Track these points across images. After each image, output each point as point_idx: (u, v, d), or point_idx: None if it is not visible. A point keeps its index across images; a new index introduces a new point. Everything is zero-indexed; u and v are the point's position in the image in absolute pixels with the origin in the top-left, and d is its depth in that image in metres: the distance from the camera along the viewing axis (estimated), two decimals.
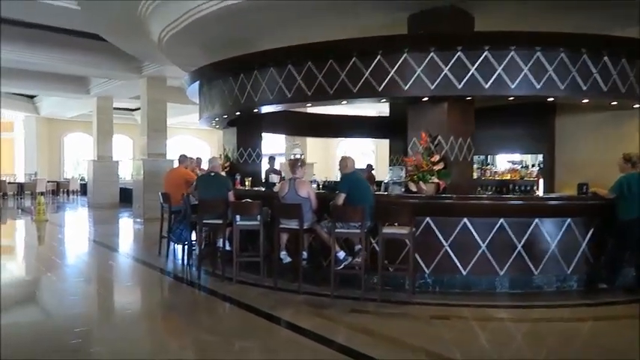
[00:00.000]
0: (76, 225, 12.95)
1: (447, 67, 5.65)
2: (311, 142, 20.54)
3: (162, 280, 6.64)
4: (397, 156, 12.16)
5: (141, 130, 13.42)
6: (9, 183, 18.97)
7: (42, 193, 19.46)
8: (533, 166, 8.84)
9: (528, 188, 8.33)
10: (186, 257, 6.91)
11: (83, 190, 21.99)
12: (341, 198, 5.26)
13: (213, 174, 6.27)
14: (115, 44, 10.16)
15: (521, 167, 8.91)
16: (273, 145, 18.75)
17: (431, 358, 3.84)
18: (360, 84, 6.03)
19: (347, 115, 12.80)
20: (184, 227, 6.68)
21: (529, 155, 8.98)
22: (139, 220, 12.73)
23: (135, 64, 12.46)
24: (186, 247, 6.91)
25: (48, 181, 20.27)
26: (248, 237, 6.31)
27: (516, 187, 8.52)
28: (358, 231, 5.17)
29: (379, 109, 16.17)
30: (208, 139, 27.81)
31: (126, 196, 17.59)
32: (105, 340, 4.31)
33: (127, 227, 12.46)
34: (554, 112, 8.08)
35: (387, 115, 12.57)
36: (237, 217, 5.84)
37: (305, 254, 5.78)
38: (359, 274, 5.29)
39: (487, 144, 8.74)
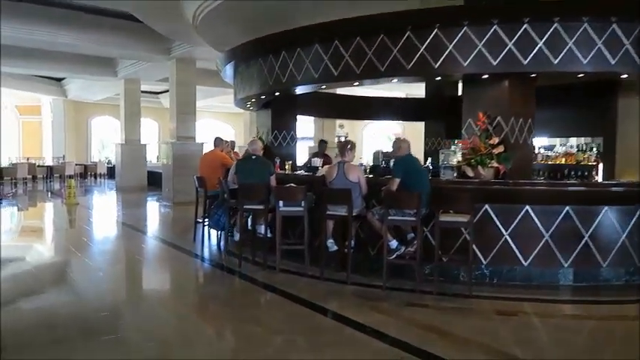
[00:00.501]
0: (106, 208, 12.88)
1: (512, 42, 5.17)
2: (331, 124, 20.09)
3: (200, 267, 6.42)
4: (435, 139, 11.72)
5: (170, 113, 13.19)
6: (38, 166, 19.06)
7: (70, 176, 19.62)
8: (591, 149, 8.24)
9: (586, 174, 7.79)
10: (223, 244, 6.64)
11: (110, 173, 22.08)
12: (395, 183, 4.88)
13: (254, 157, 5.95)
14: (146, 23, 9.87)
15: (578, 151, 8.34)
16: (301, 128, 18.36)
17: (500, 357, 3.49)
18: (414, 60, 5.58)
19: (380, 97, 12.33)
20: (222, 213, 6.40)
21: (582, 139, 8.41)
22: (168, 204, 12.57)
23: (164, 45, 12.18)
24: (223, 233, 6.65)
25: (76, 164, 20.35)
26: (290, 223, 6.00)
27: (572, 173, 7.98)
28: (413, 219, 4.80)
29: (408, 90, 15.63)
30: (233, 123, 27.61)
31: (153, 180, 17.53)
32: (142, 326, 4.09)
33: (156, 211, 12.32)
34: (617, 92, 7.50)
35: (415, 97, 12.15)
36: (281, 203, 5.53)
37: (352, 242, 5.46)
38: (412, 265, 4.94)
39: (541, 126, 8.21)
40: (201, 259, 6.62)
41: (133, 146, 16.55)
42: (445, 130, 11.41)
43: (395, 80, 6.41)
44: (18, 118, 24.66)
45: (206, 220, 7.23)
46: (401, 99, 12.68)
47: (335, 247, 5.42)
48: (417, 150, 12.80)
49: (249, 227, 6.35)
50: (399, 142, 5.15)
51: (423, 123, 12.19)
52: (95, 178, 21.47)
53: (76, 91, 20.44)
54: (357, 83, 7.31)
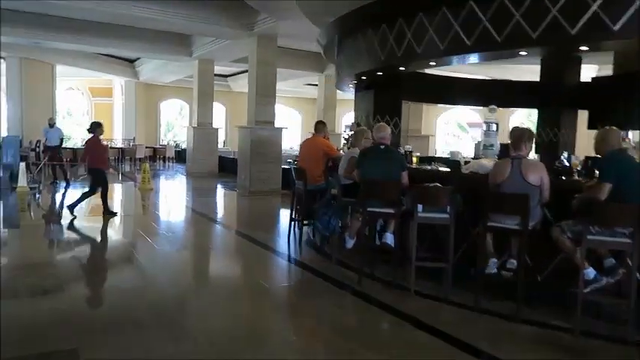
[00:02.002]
0: (181, 196, 12.13)
1: None
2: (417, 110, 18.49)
3: (305, 277, 5.27)
4: (551, 129, 10.05)
5: (248, 95, 12.22)
6: (110, 148, 18.83)
7: (141, 159, 19.31)
8: None
9: None
10: (332, 250, 5.49)
11: (178, 157, 21.71)
12: (605, 190, 3.49)
13: (383, 147, 4.71)
14: None
15: None
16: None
17: None
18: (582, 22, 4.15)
19: (491, 80, 10.73)
20: (334, 214, 5.24)
21: None
22: (244, 193, 11.64)
23: (247, 20, 11.15)
24: (328, 237, 5.50)
25: (145, 147, 20.04)
26: (422, 232, 4.76)
27: None
28: (627, 240, 3.42)
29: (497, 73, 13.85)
30: (302, 108, 26.62)
31: (224, 166, 16.81)
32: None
33: (235, 202, 11.33)
34: None
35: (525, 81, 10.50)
36: (420, 207, 4.29)
37: (514, 263, 4.15)
38: (617, 304, 3.58)
39: None
40: (302, 266, 5.51)
41: (205, 130, 15.83)
42: (566, 119, 9.78)
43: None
44: (90, 100, 24.85)
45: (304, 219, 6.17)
46: (513, 82, 11.02)
47: (495, 269, 4.12)
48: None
49: (367, 233, 5.17)
50: (607, 134, 3.71)
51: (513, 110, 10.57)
52: (164, 161, 21.12)
53: (148, 73, 20.04)
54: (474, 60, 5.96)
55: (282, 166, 12.27)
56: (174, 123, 26.26)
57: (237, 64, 17.12)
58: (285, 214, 9.49)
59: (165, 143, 23.23)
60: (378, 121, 7.86)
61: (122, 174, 15.87)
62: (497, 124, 5.11)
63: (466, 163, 5.04)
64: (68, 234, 6.92)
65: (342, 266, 5.25)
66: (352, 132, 8.06)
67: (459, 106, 20.45)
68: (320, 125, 6.86)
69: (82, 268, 5.33)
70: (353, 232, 5.16)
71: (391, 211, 4.54)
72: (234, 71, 21.26)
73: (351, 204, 5.05)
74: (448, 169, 5.08)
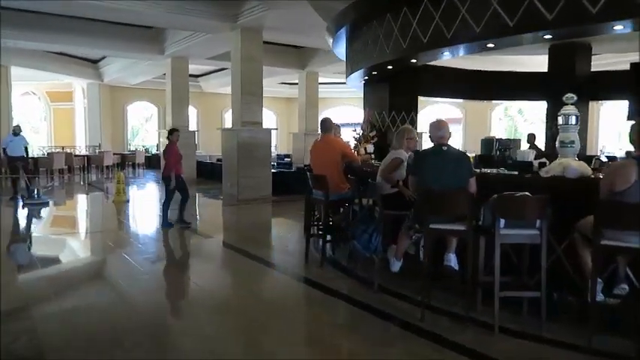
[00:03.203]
0: (158, 205, 10.88)
1: None
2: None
3: (343, 310, 4.30)
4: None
5: (232, 94, 11.14)
6: (75, 156, 17.32)
7: (108, 167, 17.88)
8: None
9: None
10: (375, 276, 4.52)
11: (149, 163, 20.32)
12: None
13: (445, 147, 3.80)
14: None
15: None
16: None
17: None
18: None
19: (508, 72, 9.97)
20: (375, 231, 4.31)
21: None
22: (232, 202, 10.55)
23: (229, 10, 10.08)
24: (374, 259, 4.55)
25: (113, 154, 18.59)
26: (490, 252, 3.90)
27: None
28: None
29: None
30: (274, 108, 25.51)
31: (201, 171, 15.65)
32: None
33: (226, 214, 9.98)
34: None
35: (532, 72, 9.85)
36: (502, 222, 3.42)
37: (625, 288, 3.33)
38: None
39: None
40: (335, 295, 4.51)
41: (181, 133, 14.54)
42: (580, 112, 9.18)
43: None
44: (49, 105, 23.07)
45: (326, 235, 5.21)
46: (516, 74, 10.38)
47: (601, 297, 3.28)
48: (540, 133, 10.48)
49: (413, 253, 4.27)
50: None
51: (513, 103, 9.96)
52: (134, 168, 19.67)
53: (113, 74, 18.54)
54: (548, 36, 5.15)
55: (272, 170, 11.30)
56: (140, 127, 24.74)
57: (212, 63, 15.97)
58: (287, 226, 8.52)
59: (134, 149, 21.75)
60: (395, 117, 6.99)
61: (89, 184, 14.47)
62: (577, 115, 4.30)
63: (541, 165, 4.21)
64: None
65: (386, 293, 4.35)
66: (362, 132, 7.18)
67: (442, 101, 19.92)
68: (327, 122, 5.83)
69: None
70: (400, 253, 4.26)
71: (461, 228, 3.64)
72: (207, 70, 20.02)
73: (402, 219, 4.12)
74: (517, 174, 4.21)
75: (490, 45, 5.83)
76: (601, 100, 9.98)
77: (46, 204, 10.31)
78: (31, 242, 6.95)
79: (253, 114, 10.84)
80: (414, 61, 6.19)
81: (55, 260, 5.97)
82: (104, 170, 17.89)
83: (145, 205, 11.14)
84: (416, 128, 7.29)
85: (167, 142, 7.71)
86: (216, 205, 11.17)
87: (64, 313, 3.98)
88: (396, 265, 4.31)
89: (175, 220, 7.64)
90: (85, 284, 5.00)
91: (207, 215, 9.93)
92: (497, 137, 9.87)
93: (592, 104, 9.55)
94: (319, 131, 6.35)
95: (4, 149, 10.70)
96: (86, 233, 8.03)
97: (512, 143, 9.79)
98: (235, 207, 10.19)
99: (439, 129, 3.87)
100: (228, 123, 25.13)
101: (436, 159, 3.79)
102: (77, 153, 18.53)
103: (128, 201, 10.61)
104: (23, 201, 10.17)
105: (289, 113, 22.98)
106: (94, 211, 10.23)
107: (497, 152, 9.80)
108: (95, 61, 18.47)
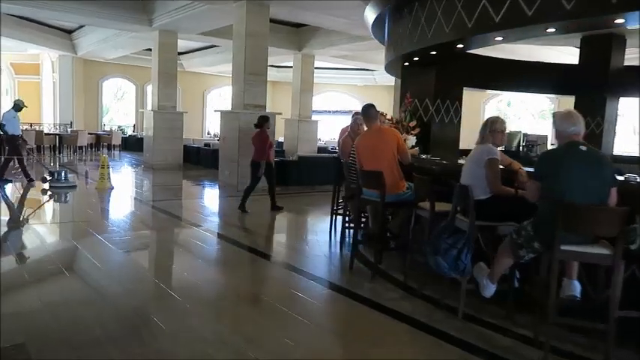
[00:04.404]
0: (153, 197, 9.75)
1: None
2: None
3: (419, 341, 3.46)
4: (593, 119, 8.87)
5: (233, 74, 10.08)
6: (46, 134, 15.78)
7: (82, 148, 16.49)
8: None
9: None
10: (461, 302, 3.67)
11: (125, 145, 18.96)
12: None
13: (584, 148, 2.97)
14: None
15: None
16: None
17: None
18: None
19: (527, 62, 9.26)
20: (465, 247, 3.47)
21: None
22: (232, 193, 9.54)
23: None
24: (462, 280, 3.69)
25: (88, 134, 17.13)
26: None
27: None
28: None
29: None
30: None
31: (188, 156, 14.53)
32: None
33: (232, 207, 8.38)
34: None
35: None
36: None
37: None
38: None
39: None
40: (408, 321, 3.65)
41: (168, 115, 13.38)
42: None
43: None
44: (12, 77, 21.21)
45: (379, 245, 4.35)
46: (549, 65, 9.70)
47: None
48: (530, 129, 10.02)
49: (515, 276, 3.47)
50: None
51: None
52: (109, 149, 18.23)
53: (90, 46, 16.98)
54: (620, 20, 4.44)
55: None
56: (109, 106, 22.99)
57: (202, 39, 14.77)
58: (309, 225, 7.59)
59: (109, 129, 20.26)
60: (439, 107, 6.16)
61: (62, 166, 13.07)
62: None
63: None
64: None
65: (478, 324, 3.54)
66: (399, 120, 6.33)
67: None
68: (372, 110, 4.93)
69: None
70: (498, 275, 3.45)
71: (604, 251, 2.85)
72: (190, 48, 18.67)
73: (495, 231, 3.31)
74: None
75: (550, 30, 5.15)
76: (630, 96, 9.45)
77: (74, 187, 9.29)
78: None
79: (257, 96, 9.83)
80: (460, 46, 5.40)
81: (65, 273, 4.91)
82: (77, 151, 16.46)
83: (130, 192, 9.98)
84: (460, 120, 6.50)
85: (256, 129, 7.59)
86: (214, 195, 10.12)
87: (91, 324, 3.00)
88: (490, 289, 3.50)
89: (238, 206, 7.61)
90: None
91: (214, 210, 8.80)
92: (523, 132, 9.22)
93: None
94: (351, 121, 5.55)
95: (3, 126, 9.36)
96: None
97: (539, 139, 9.17)
98: (235, 199, 9.15)
99: (573, 122, 3.06)
100: (211, 105, 23.84)
101: (575, 162, 2.95)
102: (47, 131, 16.93)
103: (112, 188, 9.46)
104: (50, 183, 9.20)
105: (277, 98, 21.82)
106: (80, 200, 8.96)
107: (524, 148, 9.16)
108: (69, 32, 16.88)
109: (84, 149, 16.75)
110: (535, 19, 4.74)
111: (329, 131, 21.61)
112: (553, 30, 5.16)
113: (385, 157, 4.61)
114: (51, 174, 9.37)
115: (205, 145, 15.58)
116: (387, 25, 6.24)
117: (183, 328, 3.34)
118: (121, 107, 23.40)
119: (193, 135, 19.73)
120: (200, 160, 14.53)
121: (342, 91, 24.25)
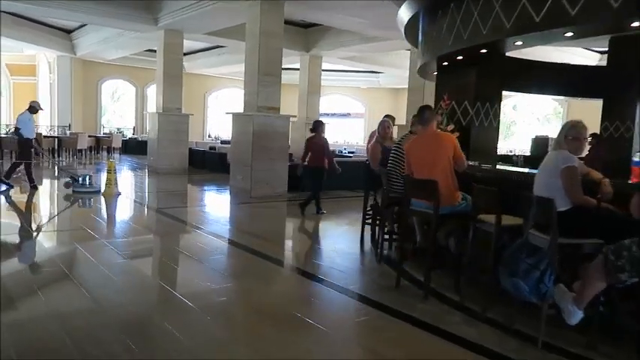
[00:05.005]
0: (162, 202, 9.28)
1: None
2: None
3: None
4: (622, 123, 8.55)
5: (246, 75, 9.67)
6: (45, 137, 15.25)
7: (81, 151, 16.00)
8: None
9: None
10: (540, 330, 3.24)
11: (125, 148, 18.49)
12: None
13: None
14: None
15: None
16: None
17: None
18: None
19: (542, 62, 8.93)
20: (548, 269, 3.08)
21: None
22: (245, 199, 9.10)
23: None
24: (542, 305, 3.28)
25: (88, 136, 16.64)
26: None
27: None
28: None
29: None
30: None
31: (193, 160, 14.09)
32: None
33: (252, 218, 7.98)
34: None
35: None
36: None
37: None
38: None
39: None
40: (477, 350, 3.25)
41: (174, 117, 12.93)
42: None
43: None
44: (8, 78, 20.69)
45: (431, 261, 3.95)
46: (574, 67, 9.37)
47: None
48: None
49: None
50: None
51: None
52: (109, 152, 17.74)
53: (90, 47, 16.50)
54: None
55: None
56: (106, 108, 22.45)
57: (208, 39, 14.36)
58: (335, 235, 6.99)
59: (108, 131, 19.76)
60: (479, 109, 5.79)
61: (61, 170, 12.56)
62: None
63: None
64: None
65: (554, 353, 3.16)
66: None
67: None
68: (427, 112, 4.54)
69: None
70: (587, 301, 3.07)
71: None
72: (193, 48, 18.23)
73: (581, 249, 2.93)
74: None
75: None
76: None
77: (98, 192, 8.90)
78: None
79: (271, 98, 9.43)
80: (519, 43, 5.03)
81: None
82: (77, 154, 15.96)
83: (140, 199, 9.52)
84: (499, 124, 6.13)
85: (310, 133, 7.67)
86: (225, 201, 9.67)
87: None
88: (577, 316, 3.12)
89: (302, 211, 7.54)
90: None
91: (228, 217, 8.34)
92: (551, 137, 8.88)
93: None
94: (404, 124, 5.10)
95: (18, 129, 8.87)
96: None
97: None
98: (251, 206, 8.76)
99: None
100: (212, 107, 23.39)
101: None
102: (45, 134, 16.41)
103: (119, 194, 9.00)
104: (74, 188, 8.88)
105: (282, 101, 21.15)
106: (86, 207, 8.49)
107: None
108: (69, 31, 16.39)
109: (83, 152, 16.25)
110: (577, 18, 4.32)
111: (335, 134, 21.34)
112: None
113: (441, 165, 4.21)
114: (73, 179, 8.95)
115: (210, 148, 15.15)
116: (421, 24, 5.86)
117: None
118: (117, 109, 22.90)
119: (195, 138, 19.28)
120: (206, 164, 14.10)
121: (345, 93, 23.91)
